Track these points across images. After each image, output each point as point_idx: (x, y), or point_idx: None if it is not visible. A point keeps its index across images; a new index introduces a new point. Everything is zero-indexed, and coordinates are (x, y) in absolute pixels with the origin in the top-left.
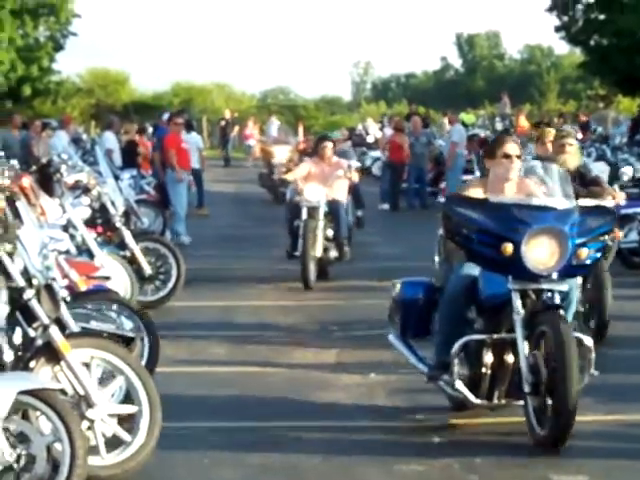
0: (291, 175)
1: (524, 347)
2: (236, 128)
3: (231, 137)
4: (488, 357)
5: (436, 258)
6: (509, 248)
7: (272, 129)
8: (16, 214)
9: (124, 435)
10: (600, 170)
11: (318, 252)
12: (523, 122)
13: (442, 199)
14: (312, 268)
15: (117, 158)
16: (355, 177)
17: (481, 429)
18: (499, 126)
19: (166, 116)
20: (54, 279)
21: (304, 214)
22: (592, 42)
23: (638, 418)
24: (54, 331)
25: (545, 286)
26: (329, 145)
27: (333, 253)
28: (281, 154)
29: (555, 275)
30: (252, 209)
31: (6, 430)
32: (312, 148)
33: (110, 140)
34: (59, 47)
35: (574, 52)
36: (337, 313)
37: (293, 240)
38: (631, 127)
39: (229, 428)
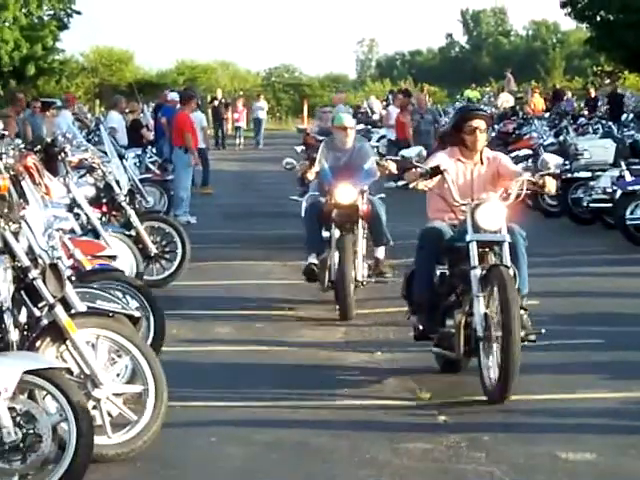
0: (428, 182)
1: None
2: (229, 109)
3: (224, 118)
4: None
5: None
6: None
7: (259, 112)
8: (21, 194)
9: (130, 414)
10: (606, 147)
11: None
12: (537, 100)
13: None
14: None
15: (122, 137)
16: (552, 186)
17: (487, 407)
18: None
19: (172, 95)
20: (59, 258)
21: (474, 258)
22: (598, 18)
23: None
24: (59, 311)
25: None
26: (482, 125)
27: None
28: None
29: None
30: (256, 187)
31: (12, 410)
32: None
33: (115, 119)
34: (63, 26)
35: (580, 28)
36: None
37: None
38: None
39: (236, 407)
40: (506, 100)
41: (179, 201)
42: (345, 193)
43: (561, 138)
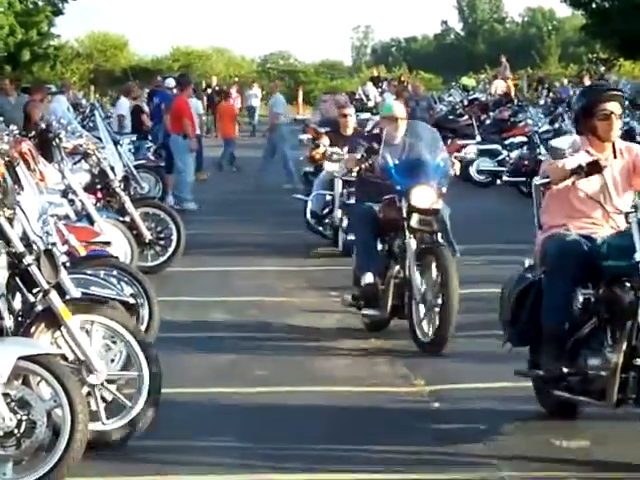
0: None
1: None
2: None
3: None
4: None
5: None
6: None
7: (252, 100)
8: (15, 179)
9: (125, 401)
10: None
11: None
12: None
13: None
14: None
15: (130, 125)
16: None
17: (481, 394)
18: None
19: (170, 81)
20: (54, 244)
21: None
22: (594, 4)
23: None
24: (54, 297)
25: None
26: (617, 109)
27: None
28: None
29: None
30: (251, 174)
31: (6, 396)
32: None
33: (124, 106)
34: (58, 11)
35: (576, 15)
36: (338, 278)
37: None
38: None
39: (230, 392)
40: (499, 86)
41: (184, 186)
42: (424, 195)
43: (556, 125)
